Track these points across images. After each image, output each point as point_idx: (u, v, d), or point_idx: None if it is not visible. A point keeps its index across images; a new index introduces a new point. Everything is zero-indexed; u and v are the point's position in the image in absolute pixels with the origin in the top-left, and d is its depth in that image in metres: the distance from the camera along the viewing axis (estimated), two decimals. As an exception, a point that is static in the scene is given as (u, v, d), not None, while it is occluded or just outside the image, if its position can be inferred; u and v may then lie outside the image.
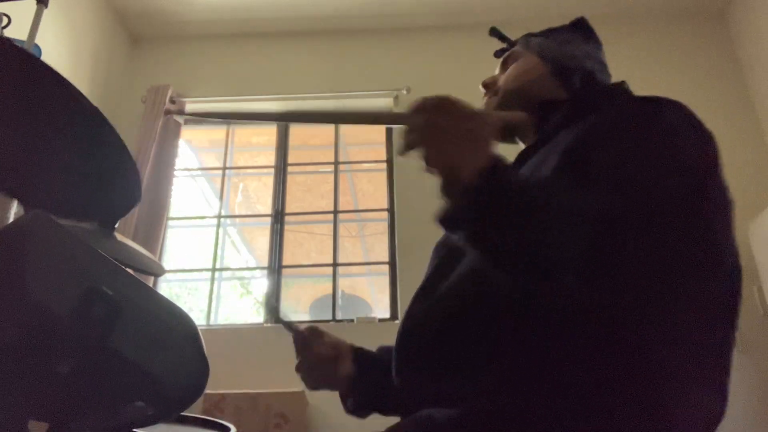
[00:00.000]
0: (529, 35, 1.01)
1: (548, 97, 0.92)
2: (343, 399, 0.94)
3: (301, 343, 0.94)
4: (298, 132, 3.83)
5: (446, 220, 0.64)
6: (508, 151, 0.90)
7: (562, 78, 0.93)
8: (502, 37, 1.06)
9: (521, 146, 1.00)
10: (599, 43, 1.00)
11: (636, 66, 3.23)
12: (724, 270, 0.67)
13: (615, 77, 0.96)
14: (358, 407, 0.93)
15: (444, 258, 0.82)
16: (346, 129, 3.89)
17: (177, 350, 0.73)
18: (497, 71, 1.03)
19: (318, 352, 0.93)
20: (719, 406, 0.66)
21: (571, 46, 0.96)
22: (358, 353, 0.95)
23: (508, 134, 0.97)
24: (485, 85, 1.01)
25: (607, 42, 1.02)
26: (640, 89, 0.87)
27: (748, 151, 3.28)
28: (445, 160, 0.63)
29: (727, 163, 0.72)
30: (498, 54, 1.06)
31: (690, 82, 3.45)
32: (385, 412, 0.90)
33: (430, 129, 0.64)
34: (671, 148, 0.68)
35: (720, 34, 3.70)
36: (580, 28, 0.99)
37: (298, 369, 0.93)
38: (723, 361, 0.67)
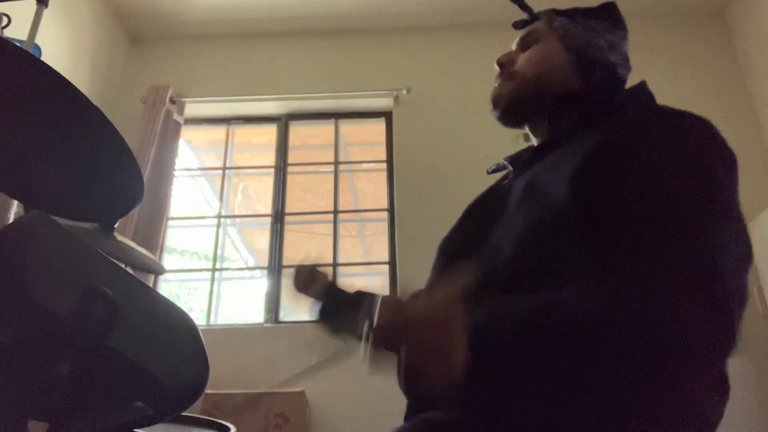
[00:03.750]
0: (554, 12, 0.95)
1: (564, 89, 0.88)
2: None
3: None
4: (298, 132, 3.83)
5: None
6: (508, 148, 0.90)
7: (583, 70, 0.89)
8: (524, 6, 0.99)
9: (520, 144, 1.00)
10: (625, 31, 0.95)
11: (635, 65, 3.22)
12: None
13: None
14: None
15: (451, 258, 0.82)
16: (346, 129, 3.89)
17: (177, 350, 0.73)
18: (514, 46, 0.97)
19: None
20: (720, 407, 0.66)
21: (596, 35, 0.91)
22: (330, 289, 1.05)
23: (517, 120, 0.93)
24: (501, 64, 0.95)
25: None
26: (640, 89, 0.87)
27: (748, 152, 3.27)
28: (422, 371, 0.57)
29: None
30: (518, 26, 0.99)
31: (690, 82, 3.45)
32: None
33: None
34: (701, 172, 0.67)
35: (720, 34, 3.69)
36: (609, 13, 0.95)
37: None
38: (723, 364, 0.67)
